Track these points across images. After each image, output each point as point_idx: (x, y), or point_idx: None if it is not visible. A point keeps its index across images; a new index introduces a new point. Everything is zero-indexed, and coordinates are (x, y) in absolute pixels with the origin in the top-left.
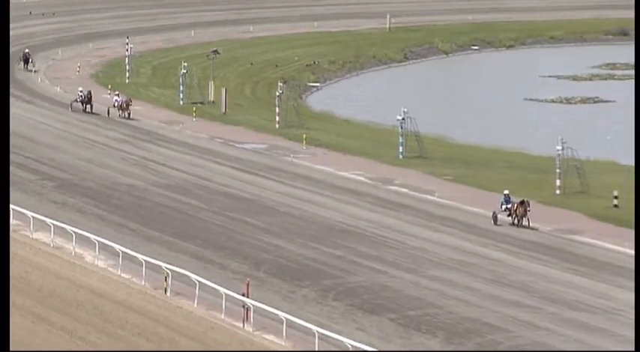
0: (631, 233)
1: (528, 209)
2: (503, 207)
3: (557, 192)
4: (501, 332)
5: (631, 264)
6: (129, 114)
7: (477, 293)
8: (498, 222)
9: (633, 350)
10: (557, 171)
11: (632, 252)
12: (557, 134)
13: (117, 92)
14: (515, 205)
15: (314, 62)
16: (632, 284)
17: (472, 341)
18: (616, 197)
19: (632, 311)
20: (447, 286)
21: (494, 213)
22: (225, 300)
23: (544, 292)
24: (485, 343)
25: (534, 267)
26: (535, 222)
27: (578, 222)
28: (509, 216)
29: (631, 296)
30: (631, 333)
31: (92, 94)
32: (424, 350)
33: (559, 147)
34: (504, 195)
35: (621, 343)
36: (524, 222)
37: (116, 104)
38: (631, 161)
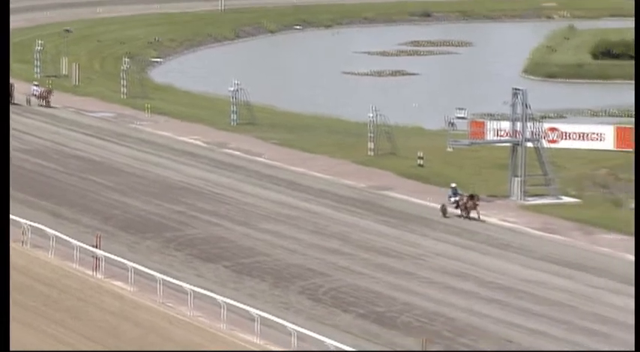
0: (434, 189)
1: (478, 203)
2: (452, 199)
3: (370, 153)
4: (322, 277)
5: (433, 216)
6: None
7: (301, 243)
8: (447, 215)
9: (633, 350)
10: (370, 135)
11: (436, 205)
12: (369, 103)
13: None
14: (465, 198)
15: (156, 40)
16: (435, 234)
17: (296, 285)
18: (421, 158)
19: (435, 256)
20: (275, 237)
21: (442, 205)
22: (78, 251)
23: (359, 241)
24: (308, 286)
25: (351, 219)
26: (351, 179)
27: (388, 179)
28: (457, 208)
29: (434, 244)
30: (434, 276)
31: None
32: (419, 350)
33: (371, 115)
34: (452, 187)
35: (426, 285)
36: (474, 215)
37: None
38: (433, 126)
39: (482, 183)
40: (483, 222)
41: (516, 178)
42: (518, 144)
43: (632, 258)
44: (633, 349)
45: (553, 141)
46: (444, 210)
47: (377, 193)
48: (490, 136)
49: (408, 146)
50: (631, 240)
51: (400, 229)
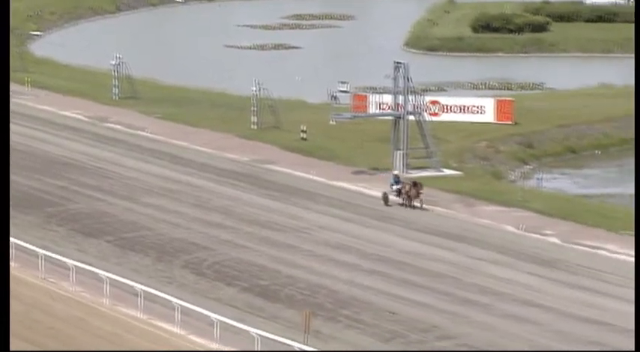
0: (316, 162)
1: (421, 191)
2: (394, 187)
3: (254, 127)
4: (206, 251)
5: (317, 189)
6: None
7: (184, 217)
8: (389, 203)
9: (633, 350)
10: (253, 108)
11: (321, 179)
12: (252, 76)
13: None
14: (408, 186)
15: (36, 13)
16: (318, 207)
17: (180, 259)
18: (304, 131)
19: (318, 229)
20: (158, 211)
21: (384, 193)
22: None
23: (242, 214)
24: (191, 260)
25: (234, 193)
26: (234, 153)
27: (272, 153)
28: (398, 196)
29: (317, 217)
30: (317, 248)
31: None
32: (415, 350)
33: (254, 88)
34: (393, 175)
35: (309, 257)
36: (417, 204)
37: None
38: (316, 99)
39: (364, 157)
40: (427, 210)
41: (398, 151)
42: (400, 118)
43: (511, 229)
44: (633, 349)
45: (434, 114)
46: (385, 199)
47: (260, 167)
48: (372, 110)
49: (291, 119)
50: (510, 212)
51: (283, 202)
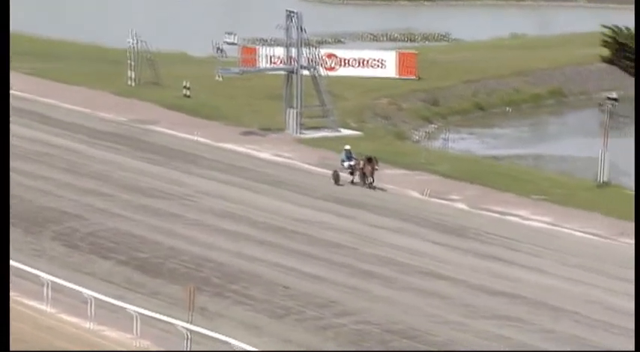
0: (201, 122)
1: (376, 167)
2: (345, 164)
3: (131, 83)
4: (79, 220)
5: (201, 151)
6: None
7: (54, 183)
8: (340, 182)
9: (633, 350)
10: (130, 63)
11: (206, 140)
12: (129, 27)
13: None
14: (362, 163)
15: None
16: (202, 171)
17: (50, 230)
18: (187, 87)
19: (202, 196)
20: (26, 177)
21: (335, 171)
22: None
23: (119, 180)
24: (63, 231)
25: (110, 156)
26: (110, 112)
27: (151, 112)
28: (352, 174)
29: (201, 182)
30: (202, 217)
31: None
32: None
33: (131, 40)
34: (345, 150)
35: (193, 227)
36: (371, 181)
37: None
38: (200, 53)
39: (254, 116)
40: (384, 190)
41: (292, 109)
42: (293, 73)
43: (415, 194)
44: (633, 349)
45: (331, 69)
46: (336, 177)
47: (138, 127)
48: (262, 64)
49: (173, 75)
50: (414, 175)
51: (164, 166)
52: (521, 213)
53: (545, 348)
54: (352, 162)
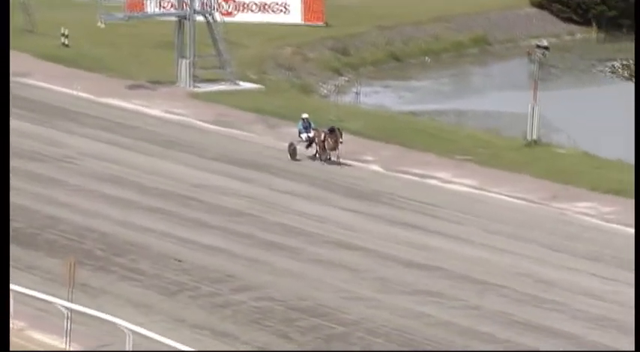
0: (82, 74)
1: (340, 140)
2: (303, 135)
3: None
4: None
5: (83, 108)
6: None
7: None
8: (297, 157)
9: (633, 350)
10: None
11: (87, 95)
12: None
13: None
14: (323, 134)
15: None
16: (85, 130)
17: None
18: (65, 35)
19: (84, 158)
20: None
21: (291, 144)
22: None
23: None
24: None
25: None
26: None
27: (25, 63)
28: (309, 147)
29: (83, 143)
30: (85, 182)
31: None
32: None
33: None
34: (302, 119)
35: (74, 193)
36: (334, 158)
37: None
38: None
39: (142, 67)
40: (349, 166)
41: (184, 60)
42: (185, 18)
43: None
44: (633, 349)
45: (228, 14)
46: (292, 151)
47: (14, 81)
48: (151, 9)
49: (49, 20)
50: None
51: (40, 125)
52: (442, 175)
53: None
54: (310, 134)
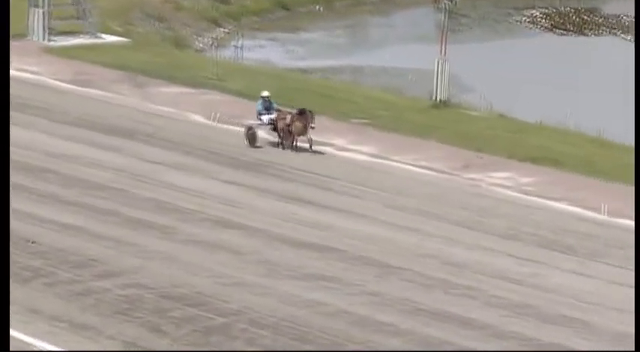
0: None
1: (312, 124)
2: (264, 118)
3: None
4: None
5: None
6: None
7: None
8: (258, 143)
9: (633, 350)
10: None
11: None
12: None
13: None
14: (289, 117)
15: None
16: None
17: None
18: None
19: None
20: None
21: (249, 128)
22: None
23: None
24: None
25: None
26: None
27: None
28: (274, 130)
29: None
30: None
31: None
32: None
33: None
34: (263, 97)
35: None
36: (305, 145)
37: None
38: None
39: None
40: (322, 154)
41: (36, 9)
42: None
43: (200, 118)
44: (633, 349)
45: None
46: (251, 136)
47: None
48: None
49: None
50: (198, 95)
51: None
52: (337, 142)
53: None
54: (273, 115)
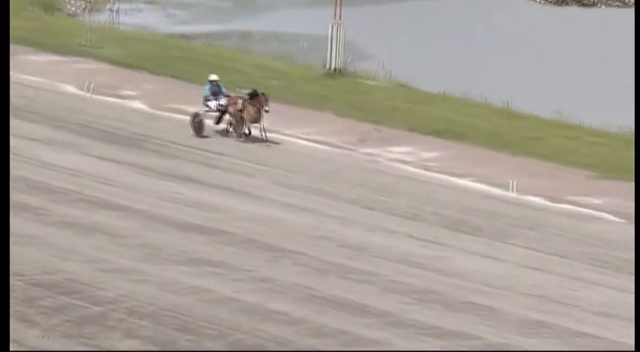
0: None
1: (266, 108)
2: (212, 104)
3: None
4: None
5: None
6: None
7: None
8: (205, 133)
9: (633, 350)
10: None
11: None
12: None
13: None
14: (241, 102)
15: None
16: None
17: None
18: None
19: None
20: None
21: (195, 115)
22: None
23: None
24: None
25: None
26: None
27: None
28: (220, 118)
29: None
30: None
31: None
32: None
33: None
34: (210, 82)
35: None
36: (249, 132)
37: None
38: None
39: None
40: (278, 144)
41: None
42: None
43: (72, 89)
44: (633, 349)
45: None
46: (198, 125)
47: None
48: None
49: None
50: (70, 63)
51: None
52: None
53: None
54: (222, 101)
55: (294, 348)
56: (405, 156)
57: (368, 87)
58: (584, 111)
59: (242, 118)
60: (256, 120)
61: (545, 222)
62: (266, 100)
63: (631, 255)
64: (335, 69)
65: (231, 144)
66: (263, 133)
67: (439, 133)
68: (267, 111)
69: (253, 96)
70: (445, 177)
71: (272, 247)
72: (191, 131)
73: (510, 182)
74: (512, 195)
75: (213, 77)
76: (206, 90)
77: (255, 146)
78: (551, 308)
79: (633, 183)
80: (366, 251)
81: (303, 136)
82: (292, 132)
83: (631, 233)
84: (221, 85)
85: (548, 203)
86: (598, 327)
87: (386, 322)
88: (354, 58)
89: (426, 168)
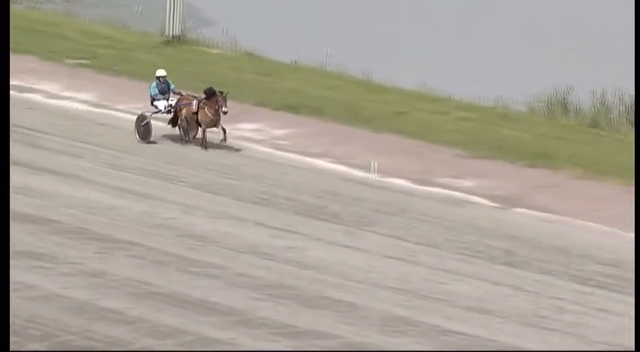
0: None
1: (224, 109)
2: (160, 104)
3: None
4: None
5: None
6: None
7: None
8: (152, 138)
9: (633, 350)
10: None
11: None
12: None
13: None
14: (195, 102)
15: None
16: None
17: None
18: None
19: None
20: None
21: (141, 118)
22: None
23: None
24: None
25: None
26: None
27: None
28: (173, 119)
29: None
30: None
31: None
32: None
33: None
34: (158, 78)
35: None
36: (220, 137)
37: None
38: None
39: None
40: (238, 150)
41: None
42: None
43: None
44: (633, 349)
45: None
46: (144, 129)
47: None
48: None
49: None
50: None
51: None
52: (48, 87)
53: None
54: (172, 101)
55: (130, 349)
56: (253, 134)
57: (210, 56)
58: (452, 82)
59: (197, 122)
60: (214, 124)
61: (410, 207)
62: (224, 100)
63: (505, 243)
64: (173, 36)
65: (59, 122)
66: (224, 141)
67: (292, 108)
68: (225, 113)
69: (210, 96)
70: (299, 157)
71: (103, 237)
72: (136, 136)
73: (371, 163)
74: (373, 177)
75: (161, 72)
76: (152, 87)
77: (84, 123)
78: (417, 303)
79: (507, 163)
80: (210, 241)
81: (137, 111)
82: (125, 107)
83: (504, 217)
84: (170, 81)
85: (413, 185)
86: (469, 325)
87: (233, 320)
88: (196, 23)
89: (277, 148)
